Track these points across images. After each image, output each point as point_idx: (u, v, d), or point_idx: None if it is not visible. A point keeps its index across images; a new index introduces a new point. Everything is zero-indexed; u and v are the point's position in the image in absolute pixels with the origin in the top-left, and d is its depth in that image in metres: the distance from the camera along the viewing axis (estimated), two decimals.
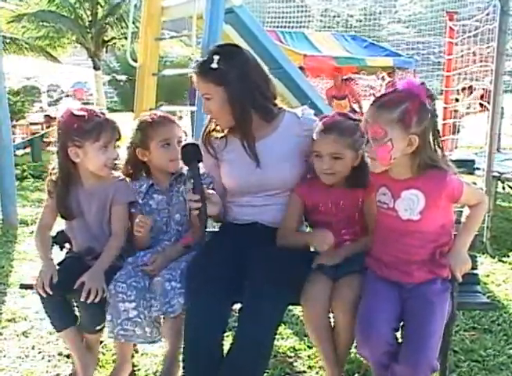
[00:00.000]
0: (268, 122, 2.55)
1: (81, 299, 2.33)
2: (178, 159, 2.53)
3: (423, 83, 2.17)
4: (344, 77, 11.03)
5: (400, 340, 2.23)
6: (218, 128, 2.60)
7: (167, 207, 2.62)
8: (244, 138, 2.51)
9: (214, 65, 2.42)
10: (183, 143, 2.44)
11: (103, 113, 2.53)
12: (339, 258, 2.38)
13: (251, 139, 2.51)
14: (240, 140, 2.52)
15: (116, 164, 2.59)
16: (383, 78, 12.76)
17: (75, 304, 2.52)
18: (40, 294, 2.41)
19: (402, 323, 2.24)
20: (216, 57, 2.42)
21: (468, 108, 9.10)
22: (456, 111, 9.00)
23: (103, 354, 3.02)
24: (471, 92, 8.63)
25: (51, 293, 2.38)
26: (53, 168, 2.59)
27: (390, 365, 2.18)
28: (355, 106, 10.56)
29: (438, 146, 2.20)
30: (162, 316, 2.44)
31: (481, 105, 7.81)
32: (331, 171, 2.40)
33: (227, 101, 2.45)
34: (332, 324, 2.40)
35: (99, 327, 2.50)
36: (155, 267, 2.44)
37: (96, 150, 2.47)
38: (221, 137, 2.60)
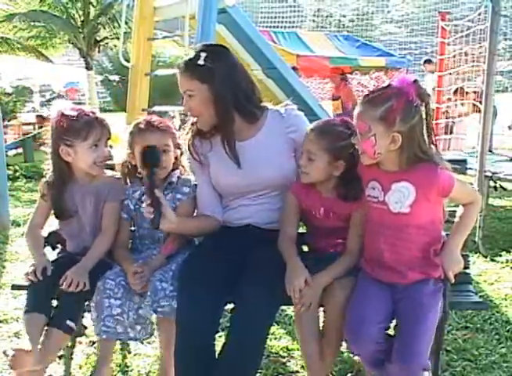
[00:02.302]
0: (252, 124, 2.53)
1: (61, 287, 2.33)
2: (162, 167, 2.51)
3: (415, 80, 2.16)
4: (342, 77, 11.06)
5: (392, 336, 2.24)
6: (203, 130, 2.55)
7: None
8: (225, 138, 2.49)
9: (201, 62, 2.39)
10: (145, 144, 2.42)
11: (93, 113, 2.52)
12: (314, 301, 2.30)
13: (232, 140, 2.49)
14: (221, 141, 2.50)
15: (107, 162, 2.57)
16: (376, 78, 12.80)
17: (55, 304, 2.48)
18: (31, 281, 2.40)
19: (394, 324, 2.25)
20: (203, 54, 2.41)
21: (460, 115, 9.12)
22: (447, 112, 9.04)
23: (96, 354, 3.01)
24: (463, 94, 8.64)
25: (41, 278, 2.38)
26: (48, 169, 2.59)
27: (380, 360, 2.19)
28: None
29: (432, 143, 2.22)
30: (154, 317, 2.43)
31: (473, 105, 7.83)
32: (305, 170, 2.40)
33: (210, 100, 2.42)
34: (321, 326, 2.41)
35: (69, 323, 2.38)
36: (143, 280, 2.39)
37: (86, 149, 2.47)
38: (206, 140, 2.57)
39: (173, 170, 2.60)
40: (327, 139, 2.35)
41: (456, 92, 8.78)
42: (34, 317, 2.39)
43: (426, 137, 2.19)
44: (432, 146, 2.21)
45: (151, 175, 2.36)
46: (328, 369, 2.45)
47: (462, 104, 8.67)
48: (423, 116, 2.17)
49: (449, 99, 9.05)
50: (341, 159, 2.35)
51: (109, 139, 2.55)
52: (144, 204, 2.33)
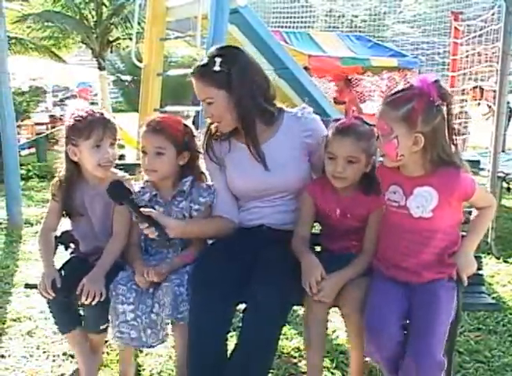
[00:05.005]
0: (269, 126, 2.52)
1: (82, 301, 2.35)
2: (152, 171, 2.49)
3: (437, 81, 2.14)
4: (349, 77, 11.07)
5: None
6: (225, 132, 2.55)
7: None
8: (250, 142, 2.47)
9: (217, 68, 2.36)
10: (109, 183, 2.39)
11: (101, 113, 2.52)
12: (333, 295, 2.31)
13: (257, 143, 2.48)
14: (246, 144, 2.49)
15: (114, 163, 2.55)
16: (389, 79, 12.75)
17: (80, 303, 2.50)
18: (45, 297, 2.43)
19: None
20: (218, 60, 2.38)
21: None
22: (466, 112, 8.99)
23: (108, 354, 3.03)
24: (482, 93, 8.60)
25: (54, 295, 2.39)
26: (59, 169, 2.60)
27: (397, 364, 2.17)
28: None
29: (453, 144, 2.20)
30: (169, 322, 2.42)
31: (488, 106, 7.79)
32: (343, 175, 2.37)
33: (230, 105, 2.40)
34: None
35: (103, 327, 2.51)
36: (161, 277, 2.40)
37: (89, 149, 2.47)
38: (224, 141, 2.56)
39: (184, 176, 2.56)
40: (364, 140, 2.36)
41: (473, 88, 8.75)
42: (74, 335, 2.52)
43: (448, 138, 2.18)
44: (453, 147, 2.20)
45: (129, 207, 2.34)
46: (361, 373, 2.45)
47: (479, 104, 8.63)
48: (445, 116, 2.15)
49: (463, 100, 9.01)
50: (373, 155, 2.38)
51: (114, 140, 2.53)
52: (143, 229, 2.33)
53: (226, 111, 2.42)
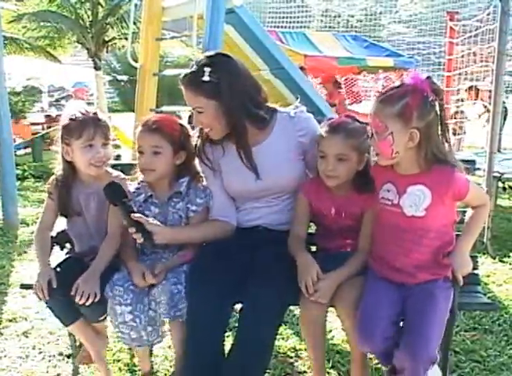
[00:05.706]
0: (262, 129, 2.51)
1: (76, 301, 2.35)
2: (149, 170, 2.49)
3: (428, 77, 2.15)
4: (335, 84, 11.16)
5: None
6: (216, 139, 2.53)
7: (165, 221, 2.52)
8: (241, 150, 2.47)
9: (206, 78, 2.35)
10: (108, 182, 2.38)
11: (94, 113, 2.51)
12: (329, 295, 2.29)
13: (249, 151, 2.47)
14: (237, 151, 2.48)
15: (107, 162, 2.54)
16: (385, 79, 12.79)
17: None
18: (40, 298, 2.42)
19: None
20: (207, 69, 2.36)
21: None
22: (462, 112, 9.00)
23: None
24: (477, 93, 8.62)
25: (48, 298, 2.39)
26: (57, 169, 2.60)
27: (391, 354, 2.17)
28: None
29: (446, 141, 2.20)
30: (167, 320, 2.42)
31: (484, 106, 7.81)
32: (334, 174, 2.36)
33: (220, 114, 2.39)
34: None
35: (102, 318, 2.52)
36: (159, 279, 2.40)
37: (80, 148, 2.47)
38: (217, 145, 2.54)
39: (181, 176, 2.56)
40: (355, 137, 2.35)
41: (469, 88, 8.76)
42: (77, 325, 2.53)
43: (441, 134, 2.17)
44: (446, 144, 2.19)
45: (121, 209, 2.34)
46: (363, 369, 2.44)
47: (474, 104, 8.66)
48: (438, 112, 2.15)
49: (462, 100, 9.03)
50: (365, 152, 2.37)
51: (107, 139, 2.52)
52: (131, 233, 2.32)
53: (216, 120, 2.41)
